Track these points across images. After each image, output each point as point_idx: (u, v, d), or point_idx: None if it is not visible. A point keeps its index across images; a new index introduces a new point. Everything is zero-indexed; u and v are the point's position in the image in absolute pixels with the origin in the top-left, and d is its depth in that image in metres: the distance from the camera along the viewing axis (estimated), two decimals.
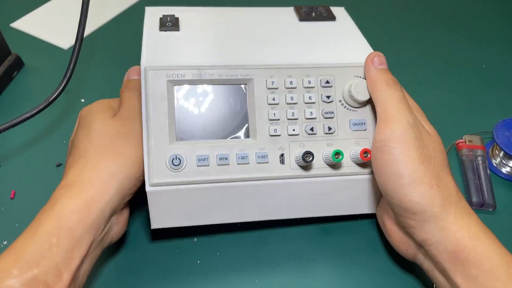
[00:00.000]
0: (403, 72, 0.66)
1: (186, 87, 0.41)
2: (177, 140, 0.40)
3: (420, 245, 0.39)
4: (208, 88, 0.41)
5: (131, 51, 0.69)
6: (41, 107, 0.49)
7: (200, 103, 0.41)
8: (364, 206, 0.46)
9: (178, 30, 0.45)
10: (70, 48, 0.71)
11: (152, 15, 0.47)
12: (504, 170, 0.53)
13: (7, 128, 0.47)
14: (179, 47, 0.43)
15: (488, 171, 0.52)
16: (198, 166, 0.40)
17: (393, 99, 0.39)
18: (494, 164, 0.54)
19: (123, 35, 0.73)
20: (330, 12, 0.49)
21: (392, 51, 0.70)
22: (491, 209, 0.50)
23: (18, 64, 0.66)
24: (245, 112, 0.41)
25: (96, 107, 0.46)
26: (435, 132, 0.41)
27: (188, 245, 0.47)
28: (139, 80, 0.45)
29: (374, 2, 0.79)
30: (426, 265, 0.40)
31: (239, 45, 0.44)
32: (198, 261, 0.46)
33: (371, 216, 0.49)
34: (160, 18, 0.46)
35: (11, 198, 0.51)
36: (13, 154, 0.56)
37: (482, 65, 0.67)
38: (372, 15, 0.76)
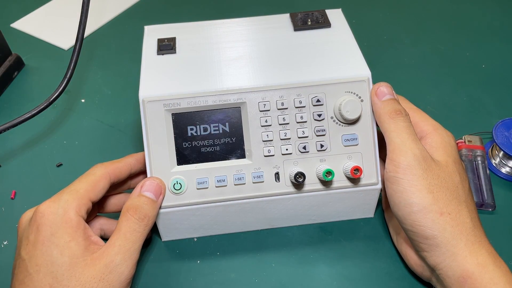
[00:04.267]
0: (403, 72, 0.66)
1: (182, 114, 0.42)
2: (177, 165, 0.42)
3: (432, 269, 0.40)
4: (204, 113, 0.43)
5: (131, 51, 0.69)
6: (41, 107, 0.49)
7: (197, 128, 0.43)
8: (358, 213, 0.48)
9: (174, 52, 0.46)
10: (70, 48, 0.71)
11: (151, 34, 0.49)
12: (504, 170, 0.53)
13: (8, 128, 0.48)
14: (175, 74, 0.44)
15: (488, 171, 0.52)
16: (198, 189, 0.43)
17: (398, 131, 0.40)
18: (494, 164, 0.54)
19: (123, 35, 0.73)
20: (326, 18, 0.49)
21: (392, 51, 0.70)
22: (490, 209, 0.50)
23: (18, 64, 0.66)
24: (240, 134, 0.43)
25: (54, 216, 0.37)
26: (447, 156, 0.41)
27: (188, 245, 0.47)
28: (155, 204, 0.41)
29: (373, 1, 0.79)
30: None
31: (232, 67, 0.45)
32: (198, 261, 0.46)
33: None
34: (158, 40, 0.47)
35: (12, 198, 0.51)
36: (13, 154, 0.56)
37: (482, 65, 0.67)
38: (371, 15, 0.76)
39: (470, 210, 0.39)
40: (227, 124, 0.43)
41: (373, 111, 0.43)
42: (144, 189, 0.40)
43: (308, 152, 0.43)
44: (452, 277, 0.38)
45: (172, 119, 0.42)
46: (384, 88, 0.43)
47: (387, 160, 0.41)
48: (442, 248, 0.38)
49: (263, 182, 0.43)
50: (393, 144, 0.40)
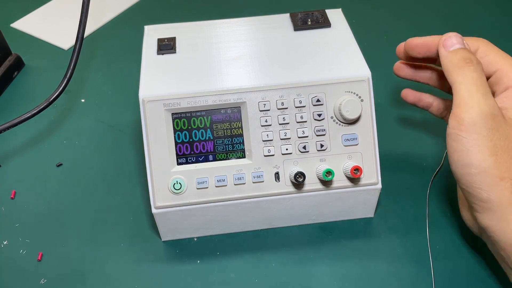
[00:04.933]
0: None
1: (182, 114, 0.42)
2: (177, 165, 0.42)
3: (482, 229, 0.39)
4: (204, 113, 0.43)
5: (131, 51, 0.69)
6: (41, 107, 0.49)
7: (197, 128, 0.43)
8: (358, 213, 0.48)
9: (174, 52, 0.46)
10: (70, 48, 0.71)
11: (151, 34, 0.49)
12: None
13: (7, 128, 0.48)
14: (175, 73, 0.44)
15: None
16: (197, 188, 0.43)
17: (465, 82, 0.37)
18: None
19: (123, 35, 0.73)
20: (326, 18, 0.49)
21: (392, 51, 0.70)
22: None
23: (18, 64, 0.66)
24: (240, 134, 0.43)
25: None
26: None
27: (188, 245, 0.47)
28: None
29: (373, 1, 0.79)
30: (489, 246, 0.40)
31: (232, 67, 0.45)
32: (198, 261, 0.46)
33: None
34: (158, 40, 0.47)
35: (12, 198, 0.51)
36: (13, 154, 0.56)
37: None
38: (371, 15, 0.76)
39: None
40: (227, 124, 0.43)
41: (441, 64, 0.39)
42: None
43: (308, 152, 0.43)
44: (504, 241, 0.36)
45: (172, 119, 0.42)
46: (453, 37, 0.39)
47: (450, 115, 0.37)
48: (497, 213, 0.36)
49: (263, 182, 0.43)
50: (459, 97, 0.37)
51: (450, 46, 0.39)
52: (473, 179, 0.36)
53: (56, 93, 0.50)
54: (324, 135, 0.43)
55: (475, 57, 0.38)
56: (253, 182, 0.43)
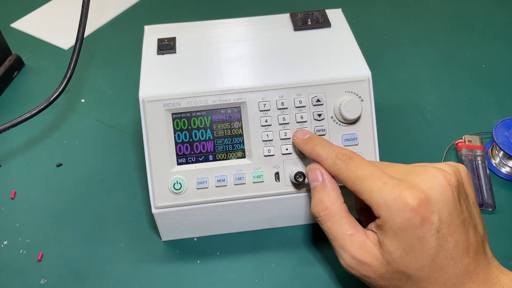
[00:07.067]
0: (403, 72, 0.66)
1: (182, 114, 0.42)
2: (177, 165, 0.42)
3: None
4: (204, 113, 0.43)
5: (131, 51, 0.69)
6: (42, 107, 0.49)
7: (197, 128, 0.43)
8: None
9: (174, 52, 0.46)
10: (70, 48, 0.71)
11: (151, 34, 0.49)
12: (504, 170, 0.53)
13: (8, 128, 0.47)
14: (175, 73, 0.44)
15: (488, 171, 0.52)
16: (198, 188, 0.43)
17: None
18: (494, 164, 0.54)
19: (123, 35, 0.73)
20: (326, 18, 0.49)
21: (392, 51, 0.70)
22: (490, 209, 0.50)
23: (18, 64, 0.66)
24: (240, 134, 0.43)
25: None
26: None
27: (188, 245, 0.47)
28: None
29: (373, 1, 0.79)
30: None
31: (232, 67, 0.45)
32: (198, 261, 0.46)
33: None
34: (158, 40, 0.47)
35: (12, 198, 0.51)
36: (13, 154, 0.56)
37: (481, 65, 0.67)
38: (371, 15, 0.76)
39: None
40: (227, 124, 0.43)
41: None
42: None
43: None
44: None
45: (172, 119, 0.42)
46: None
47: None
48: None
49: (263, 182, 0.43)
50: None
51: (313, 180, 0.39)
52: None
53: (56, 93, 0.50)
54: (324, 135, 0.43)
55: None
56: (253, 182, 0.43)
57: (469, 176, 0.37)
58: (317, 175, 0.38)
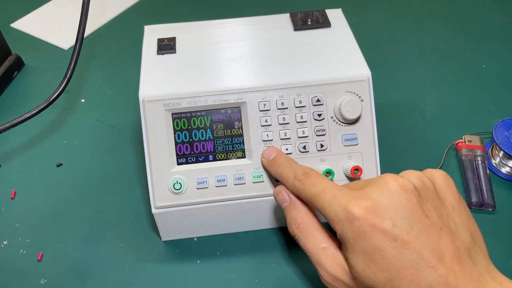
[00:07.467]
0: (403, 72, 0.66)
1: (182, 114, 0.42)
2: (177, 165, 0.42)
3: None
4: (204, 113, 0.43)
5: (131, 51, 0.69)
6: (41, 107, 0.49)
7: (197, 128, 0.43)
8: None
9: (174, 52, 0.46)
10: (70, 48, 0.71)
11: (151, 34, 0.49)
12: (504, 170, 0.53)
13: (7, 128, 0.47)
14: (175, 73, 0.44)
15: (488, 171, 0.52)
16: (197, 188, 0.43)
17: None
18: (494, 164, 0.54)
19: (123, 35, 0.73)
20: (326, 18, 0.49)
21: (392, 51, 0.70)
22: (490, 209, 0.50)
23: (18, 64, 0.66)
24: (240, 134, 0.43)
25: None
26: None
27: (188, 245, 0.47)
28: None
29: (373, 1, 0.79)
30: None
31: (232, 67, 0.45)
32: (198, 261, 0.46)
33: None
34: (158, 40, 0.47)
35: (12, 198, 0.51)
36: (13, 154, 0.56)
37: (481, 65, 0.67)
38: (371, 15, 0.76)
39: None
40: (227, 124, 0.43)
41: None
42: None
43: (308, 152, 0.43)
44: None
45: (172, 119, 0.42)
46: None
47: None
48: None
49: (263, 182, 0.43)
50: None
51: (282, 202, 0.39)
52: None
53: (56, 93, 0.50)
54: (324, 135, 0.43)
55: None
56: (253, 182, 0.43)
57: (449, 181, 0.34)
58: (284, 197, 0.38)
